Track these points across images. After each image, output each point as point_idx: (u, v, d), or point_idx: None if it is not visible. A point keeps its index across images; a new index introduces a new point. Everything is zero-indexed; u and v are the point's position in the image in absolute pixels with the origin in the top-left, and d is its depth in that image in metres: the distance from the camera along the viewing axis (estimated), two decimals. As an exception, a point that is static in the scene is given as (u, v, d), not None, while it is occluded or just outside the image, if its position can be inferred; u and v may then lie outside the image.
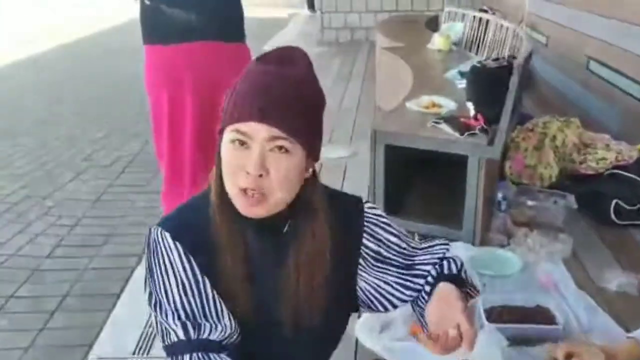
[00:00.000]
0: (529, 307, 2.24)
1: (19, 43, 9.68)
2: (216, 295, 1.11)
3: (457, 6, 5.48)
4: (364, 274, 1.25)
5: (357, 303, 1.28)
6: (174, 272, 1.08)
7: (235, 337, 1.12)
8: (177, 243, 1.08)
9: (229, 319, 1.11)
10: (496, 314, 2.19)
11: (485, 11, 5.07)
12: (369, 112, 4.91)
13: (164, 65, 2.58)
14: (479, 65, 2.79)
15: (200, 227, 1.11)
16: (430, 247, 1.30)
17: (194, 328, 1.06)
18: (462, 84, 3.43)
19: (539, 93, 4.66)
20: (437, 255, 1.26)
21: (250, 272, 1.13)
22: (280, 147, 1.03)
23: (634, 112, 3.49)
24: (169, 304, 1.07)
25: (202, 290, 1.09)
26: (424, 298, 1.22)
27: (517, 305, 2.25)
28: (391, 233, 1.26)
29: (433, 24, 6.15)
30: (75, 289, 2.73)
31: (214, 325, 1.08)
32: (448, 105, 3.03)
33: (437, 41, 4.74)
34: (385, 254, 1.24)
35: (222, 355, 1.07)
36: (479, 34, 4.60)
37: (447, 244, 1.30)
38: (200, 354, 1.06)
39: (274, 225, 1.13)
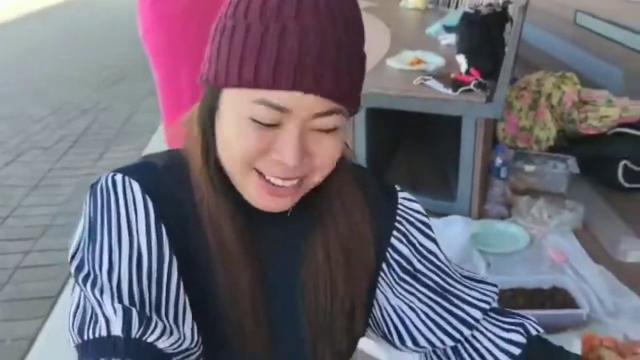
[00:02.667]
0: (544, 289, 1.95)
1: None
2: (182, 290, 0.74)
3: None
4: (385, 287, 0.89)
5: (368, 325, 0.91)
6: (130, 234, 0.71)
7: (192, 357, 0.75)
8: (148, 198, 0.73)
9: (192, 330, 0.74)
10: (508, 298, 1.89)
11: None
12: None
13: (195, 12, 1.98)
14: (472, 11, 2.43)
15: (175, 191, 0.76)
16: (476, 281, 0.94)
17: (140, 323, 0.68)
18: (446, 39, 3.10)
19: (523, 57, 4.34)
20: (487, 298, 0.92)
21: (260, 269, 0.79)
22: (332, 125, 0.70)
23: (634, 64, 3.18)
24: (109, 279, 0.69)
25: (165, 274, 0.73)
26: None
27: (531, 287, 1.95)
28: (429, 238, 0.91)
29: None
30: (3, 293, 2.30)
31: (168, 328, 0.70)
32: (434, 61, 2.67)
33: (412, -1, 4.36)
34: (417, 265, 0.89)
35: None
36: (457, -11, 4.24)
37: (496, 286, 0.95)
38: None
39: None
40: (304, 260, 0.81)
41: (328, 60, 0.65)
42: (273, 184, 0.71)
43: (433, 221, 2.30)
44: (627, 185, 2.66)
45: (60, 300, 2.23)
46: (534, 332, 0.89)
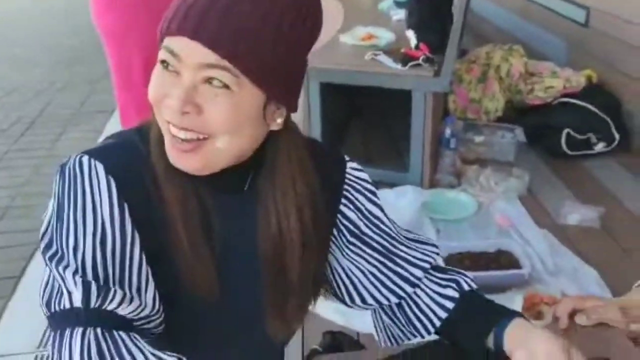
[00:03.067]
0: (490, 252, 2.07)
1: None
2: (144, 263, 0.79)
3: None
4: (335, 250, 0.96)
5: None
6: (94, 213, 0.77)
7: (153, 323, 0.81)
8: (111, 178, 0.78)
9: (154, 298, 0.80)
10: (456, 262, 2.00)
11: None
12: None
13: None
14: (420, -13, 2.49)
15: (138, 169, 0.80)
16: (419, 242, 1.00)
17: (98, 293, 0.74)
18: (397, 14, 3.17)
19: (474, 29, 4.44)
20: (428, 258, 0.98)
21: (212, 240, 0.83)
22: (219, 81, 0.73)
23: (576, 36, 3.31)
24: (74, 256, 0.75)
25: (128, 250, 0.78)
26: (425, 327, 0.97)
27: (478, 251, 2.07)
28: (375, 204, 0.97)
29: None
30: (-36, 277, 2.31)
31: (128, 297, 0.76)
32: (386, 36, 2.74)
33: (365, -26, 4.40)
34: (364, 229, 0.96)
35: (135, 335, 0.74)
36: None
37: (436, 246, 1.01)
38: (99, 332, 0.72)
39: (231, 180, 0.85)
40: (260, 227, 0.86)
41: (215, 13, 0.71)
42: (174, 136, 0.76)
43: (386, 191, 2.42)
44: (570, 152, 2.80)
45: (23, 280, 2.25)
46: (466, 288, 0.96)
